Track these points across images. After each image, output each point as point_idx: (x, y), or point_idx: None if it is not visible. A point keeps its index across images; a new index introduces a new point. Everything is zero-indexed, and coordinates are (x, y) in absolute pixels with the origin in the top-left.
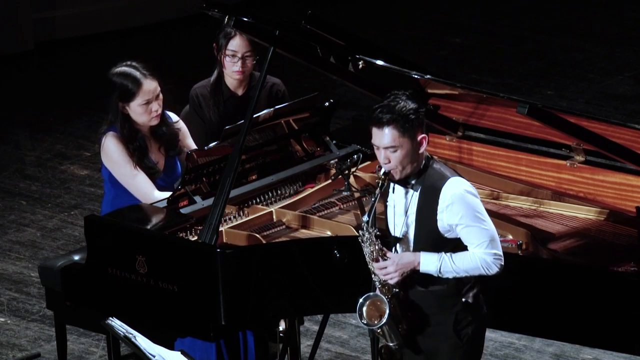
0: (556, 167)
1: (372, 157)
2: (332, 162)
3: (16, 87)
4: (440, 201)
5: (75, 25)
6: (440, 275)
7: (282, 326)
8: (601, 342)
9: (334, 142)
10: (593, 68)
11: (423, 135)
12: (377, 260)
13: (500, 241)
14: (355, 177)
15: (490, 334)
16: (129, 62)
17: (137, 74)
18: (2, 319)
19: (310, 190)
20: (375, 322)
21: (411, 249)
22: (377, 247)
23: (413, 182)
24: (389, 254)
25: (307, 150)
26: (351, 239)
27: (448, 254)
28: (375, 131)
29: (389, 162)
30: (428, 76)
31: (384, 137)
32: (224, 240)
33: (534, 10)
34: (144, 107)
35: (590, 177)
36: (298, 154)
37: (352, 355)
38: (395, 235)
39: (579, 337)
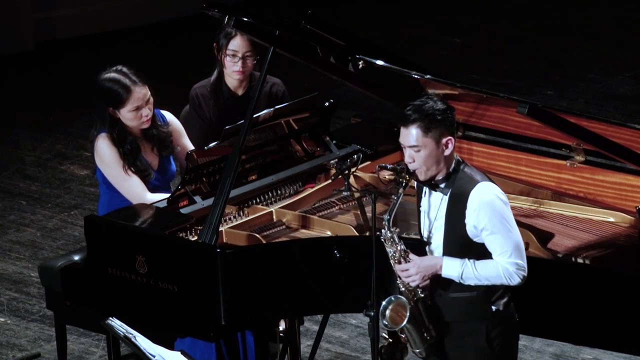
0: (556, 167)
1: (372, 157)
2: (332, 162)
3: (16, 87)
4: (468, 205)
5: (75, 25)
6: (462, 281)
7: (282, 326)
8: (601, 342)
9: (334, 142)
10: (593, 68)
11: (449, 137)
12: (399, 262)
13: None
14: (355, 177)
15: None
16: (118, 68)
17: (127, 81)
18: (2, 319)
19: (310, 190)
20: (397, 325)
21: (441, 253)
22: (399, 248)
23: (442, 185)
24: (411, 256)
25: (307, 150)
26: (351, 239)
27: (471, 260)
28: (402, 130)
29: (413, 161)
30: (428, 76)
31: (408, 136)
32: (224, 240)
33: (534, 10)
34: (134, 112)
35: (590, 177)
36: (298, 154)
37: (352, 355)
38: (426, 239)
39: (579, 337)
